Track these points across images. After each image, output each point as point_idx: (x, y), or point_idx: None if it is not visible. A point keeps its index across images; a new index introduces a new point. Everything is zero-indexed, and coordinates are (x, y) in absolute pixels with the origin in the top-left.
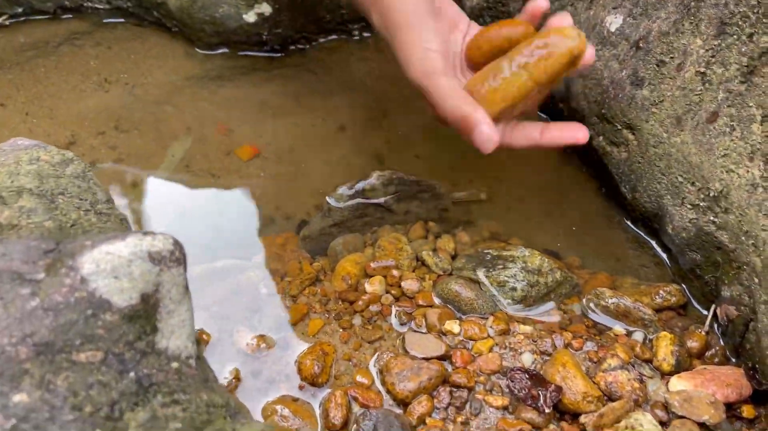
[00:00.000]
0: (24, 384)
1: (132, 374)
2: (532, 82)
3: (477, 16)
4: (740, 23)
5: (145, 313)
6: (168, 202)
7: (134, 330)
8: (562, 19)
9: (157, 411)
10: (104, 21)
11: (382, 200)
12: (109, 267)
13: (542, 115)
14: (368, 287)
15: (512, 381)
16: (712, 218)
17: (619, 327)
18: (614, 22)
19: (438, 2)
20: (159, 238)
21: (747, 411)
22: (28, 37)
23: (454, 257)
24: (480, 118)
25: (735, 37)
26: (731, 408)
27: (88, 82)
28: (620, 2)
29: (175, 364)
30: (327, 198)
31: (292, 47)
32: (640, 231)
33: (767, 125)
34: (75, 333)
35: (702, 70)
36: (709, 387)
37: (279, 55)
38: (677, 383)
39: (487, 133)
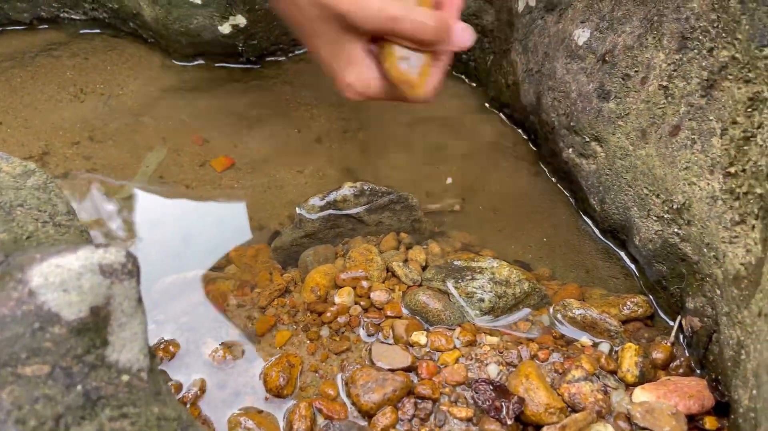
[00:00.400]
0: None
1: (79, 387)
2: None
3: None
4: (701, 38)
5: (95, 326)
6: (141, 213)
7: (83, 343)
8: None
9: (104, 425)
10: (81, 32)
11: (353, 211)
12: (58, 280)
13: (520, 132)
14: (337, 298)
15: (477, 393)
16: (676, 230)
17: (585, 339)
18: (582, 35)
19: None
20: (111, 251)
21: (710, 422)
22: (5, 48)
23: (425, 268)
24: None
25: (696, 51)
26: (694, 420)
27: (64, 93)
28: (588, 16)
29: (125, 377)
30: (298, 209)
31: (269, 59)
32: (609, 243)
33: (726, 138)
34: (21, 346)
35: (665, 83)
36: (672, 398)
37: (255, 66)
38: (640, 394)
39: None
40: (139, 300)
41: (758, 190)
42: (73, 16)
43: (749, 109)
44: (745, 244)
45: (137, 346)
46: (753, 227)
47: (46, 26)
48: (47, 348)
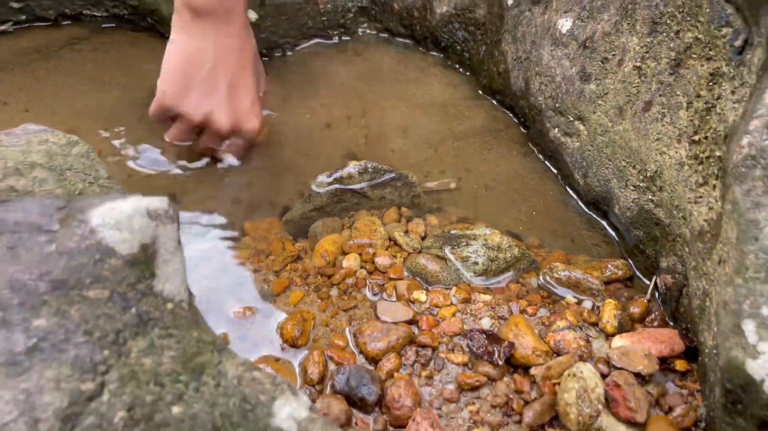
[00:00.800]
0: (43, 312)
1: (133, 310)
2: None
3: (446, 22)
4: (669, 22)
5: (144, 260)
6: (161, 189)
7: (135, 274)
8: None
9: (154, 341)
10: (102, 27)
11: (358, 186)
12: (113, 220)
13: (506, 112)
14: (345, 263)
15: (471, 341)
16: (650, 197)
17: (570, 297)
18: (565, 24)
19: None
20: (155, 199)
21: (680, 364)
22: (31, 42)
23: (423, 238)
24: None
25: (664, 34)
26: (665, 362)
27: (87, 83)
28: (570, 6)
29: (170, 305)
30: (310, 184)
31: (277, 52)
32: (592, 214)
33: (691, 110)
34: (85, 274)
35: (638, 64)
36: (645, 343)
37: (265, 58)
38: (618, 341)
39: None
40: (179, 242)
41: (717, 153)
42: (95, 13)
43: (710, 83)
44: (708, 202)
45: (178, 280)
46: (714, 186)
47: (70, 22)
48: (106, 277)
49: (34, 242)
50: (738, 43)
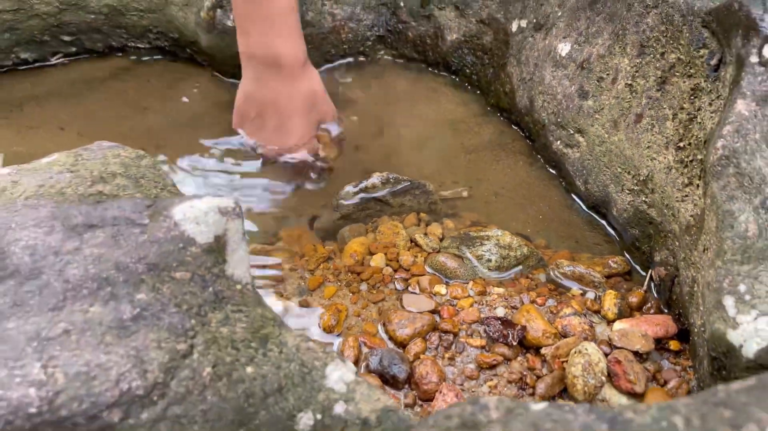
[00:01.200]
0: (142, 288)
1: (210, 289)
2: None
3: (456, 48)
4: (654, 45)
5: (217, 249)
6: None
7: (211, 259)
8: None
9: (228, 314)
10: (144, 58)
11: (380, 194)
12: (192, 216)
13: (512, 126)
14: (372, 262)
15: (488, 326)
16: (643, 199)
17: (575, 289)
18: (564, 48)
19: None
20: (225, 198)
21: (674, 345)
22: (81, 73)
23: (441, 239)
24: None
25: (651, 55)
26: (661, 343)
27: (130, 109)
28: (568, 33)
29: (238, 286)
30: (337, 195)
31: None
32: (594, 216)
33: (677, 121)
34: (172, 258)
35: (629, 82)
36: (642, 326)
37: None
38: (618, 325)
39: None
40: (244, 234)
41: (699, 156)
42: (138, 45)
43: (692, 97)
44: (693, 200)
45: (244, 266)
46: (697, 186)
47: (116, 54)
48: (188, 261)
49: (130, 233)
50: (714, 62)
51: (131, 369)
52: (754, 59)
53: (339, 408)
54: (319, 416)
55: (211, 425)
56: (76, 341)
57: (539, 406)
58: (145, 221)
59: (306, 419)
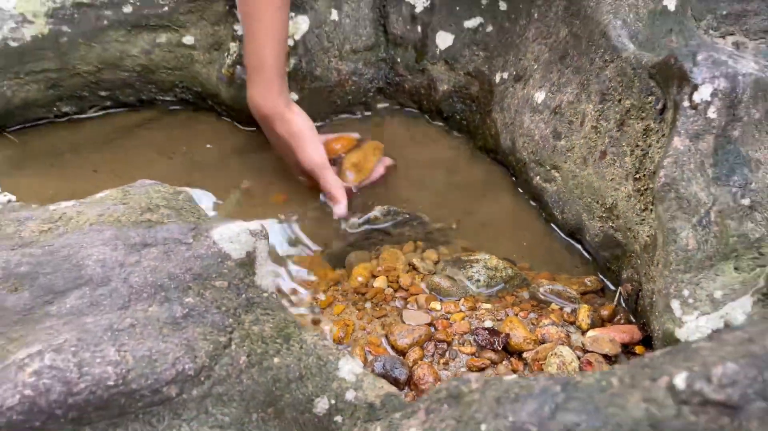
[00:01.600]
0: (190, 293)
1: (243, 295)
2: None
3: (448, 97)
4: (613, 93)
5: (248, 263)
6: None
7: (243, 272)
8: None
9: (258, 316)
10: (170, 109)
11: (382, 226)
12: (227, 236)
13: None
14: (375, 283)
15: (477, 336)
16: (611, 224)
17: (554, 304)
18: (540, 96)
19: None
20: (254, 223)
21: (638, 349)
22: (114, 123)
23: (436, 263)
24: (342, 200)
25: (611, 102)
26: (627, 348)
27: (158, 154)
28: (543, 83)
29: (265, 294)
30: (343, 225)
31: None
32: (571, 242)
33: (633, 156)
34: (212, 270)
35: (594, 124)
36: (611, 333)
37: None
38: (590, 333)
39: (341, 211)
40: (269, 252)
41: (651, 185)
42: (165, 98)
43: (644, 136)
44: (648, 223)
45: (269, 278)
46: (651, 210)
47: (145, 106)
48: (225, 273)
49: (178, 250)
50: (659, 106)
51: (184, 355)
52: (686, 104)
53: (349, 395)
54: (333, 401)
55: (246, 403)
56: (140, 332)
57: (510, 377)
58: (190, 240)
59: (322, 403)
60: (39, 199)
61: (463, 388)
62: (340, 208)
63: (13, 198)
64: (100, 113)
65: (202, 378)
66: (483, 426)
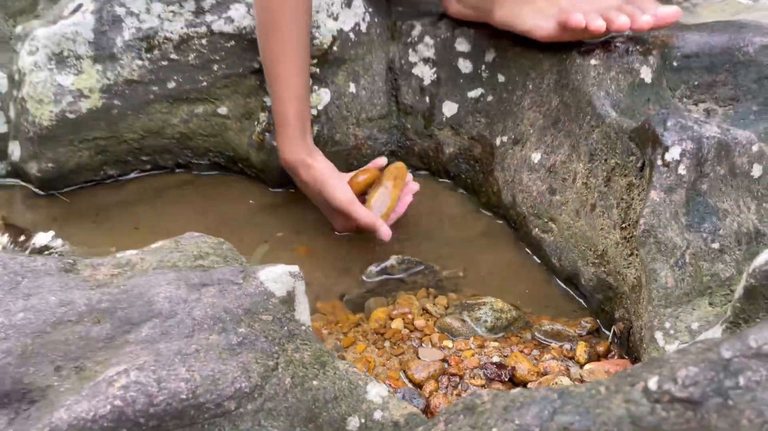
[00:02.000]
0: (242, 324)
1: (285, 328)
2: (395, 196)
3: (453, 159)
4: (600, 153)
5: (289, 300)
6: None
7: (284, 308)
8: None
9: (298, 346)
10: (203, 172)
11: (398, 276)
12: (272, 277)
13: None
14: (393, 325)
15: (486, 370)
16: (603, 269)
17: (554, 344)
18: (536, 157)
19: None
20: (292, 266)
21: None
22: (152, 184)
23: (446, 307)
24: (381, 224)
25: (598, 161)
26: None
27: (193, 212)
28: (539, 145)
29: (303, 327)
30: (362, 275)
31: None
32: (568, 288)
33: (620, 209)
34: (259, 306)
35: (585, 181)
36: (606, 366)
37: None
38: (588, 366)
39: (386, 232)
40: (305, 291)
41: (635, 233)
42: (200, 162)
43: (628, 191)
44: (635, 266)
45: (306, 314)
46: (637, 255)
47: (181, 170)
48: (270, 308)
49: (231, 289)
50: (639, 164)
51: (241, 375)
52: (660, 162)
53: (377, 415)
54: (363, 419)
55: (291, 418)
56: (204, 356)
57: (516, 390)
58: (241, 281)
59: (354, 421)
60: (83, 250)
61: (476, 401)
62: (382, 233)
63: (65, 242)
64: (140, 175)
65: (256, 395)
66: (494, 430)
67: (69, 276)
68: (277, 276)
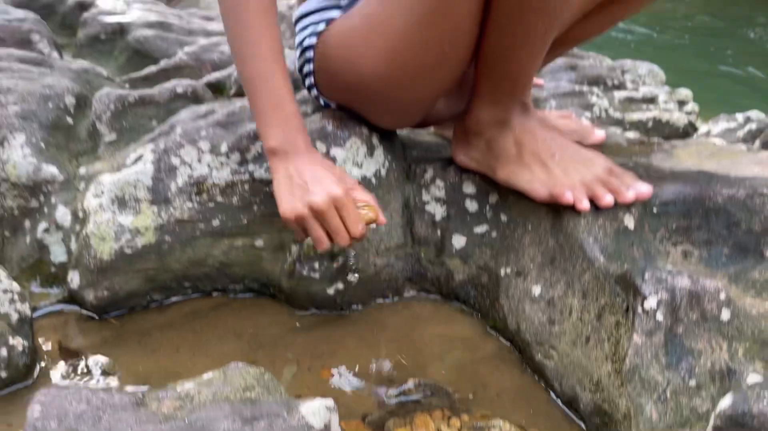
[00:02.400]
0: None
1: None
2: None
3: (463, 285)
4: (591, 292)
5: (326, 428)
6: None
7: None
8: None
9: None
10: (237, 296)
11: (414, 398)
12: (311, 411)
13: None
14: None
15: None
16: (598, 396)
17: None
18: (537, 290)
19: None
20: (327, 400)
21: None
22: (191, 308)
23: (459, 428)
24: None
25: (591, 299)
26: None
27: (228, 334)
28: (538, 279)
29: None
30: (383, 396)
31: (354, 307)
32: (569, 411)
33: (610, 343)
34: None
35: (580, 315)
36: None
37: (344, 312)
38: None
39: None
40: (338, 422)
41: (624, 368)
42: (235, 287)
43: (616, 328)
44: (625, 396)
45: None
46: (626, 386)
47: (217, 293)
48: None
49: (278, 421)
50: (624, 306)
51: None
52: (640, 309)
53: None
54: None
55: None
56: None
57: None
58: (285, 415)
59: None
60: (131, 372)
61: None
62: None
63: (104, 360)
64: (181, 298)
65: None
66: None
67: (141, 411)
68: (316, 410)
